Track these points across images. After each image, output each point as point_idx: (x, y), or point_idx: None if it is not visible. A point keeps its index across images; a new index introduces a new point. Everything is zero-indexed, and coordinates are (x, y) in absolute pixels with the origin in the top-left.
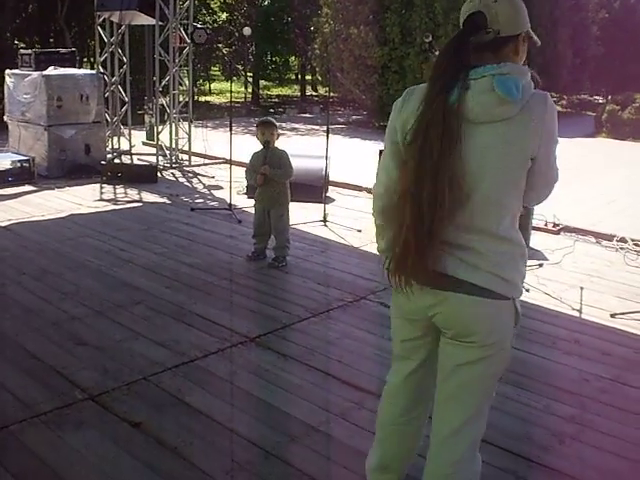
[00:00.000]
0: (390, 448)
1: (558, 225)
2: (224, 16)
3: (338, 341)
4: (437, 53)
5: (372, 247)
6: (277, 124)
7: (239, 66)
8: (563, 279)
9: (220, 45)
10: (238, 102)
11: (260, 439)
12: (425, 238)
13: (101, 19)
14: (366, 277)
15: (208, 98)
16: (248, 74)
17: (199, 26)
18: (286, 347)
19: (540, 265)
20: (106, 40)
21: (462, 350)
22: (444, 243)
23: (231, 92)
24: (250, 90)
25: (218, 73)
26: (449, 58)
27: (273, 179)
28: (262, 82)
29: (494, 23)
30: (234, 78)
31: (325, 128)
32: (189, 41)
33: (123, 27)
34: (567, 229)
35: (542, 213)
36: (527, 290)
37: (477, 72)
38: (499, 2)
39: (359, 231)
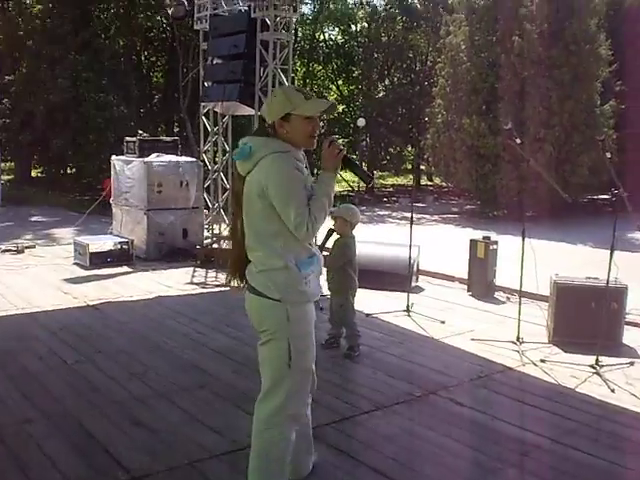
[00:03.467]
0: None
1: None
2: (340, 108)
3: (397, 437)
4: (517, 140)
5: (453, 340)
6: (345, 214)
7: (354, 156)
8: None
9: (336, 136)
10: (352, 191)
11: None
12: (237, 255)
13: (206, 109)
14: (440, 370)
15: None
16: (363, 164)
17: None
18: (340, 440)
19: (631, 364)
20: (210, 129)
21: (259, 334)
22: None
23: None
24: None
25: None
26: None
27: (332, 266)
28: (377, 172)
29: (264, 115)
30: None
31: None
32: None
33: (226, 117)
34: None
35: (638, 307)
36: (612, 391)
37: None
38: (264, 103)
39: (442, 322)
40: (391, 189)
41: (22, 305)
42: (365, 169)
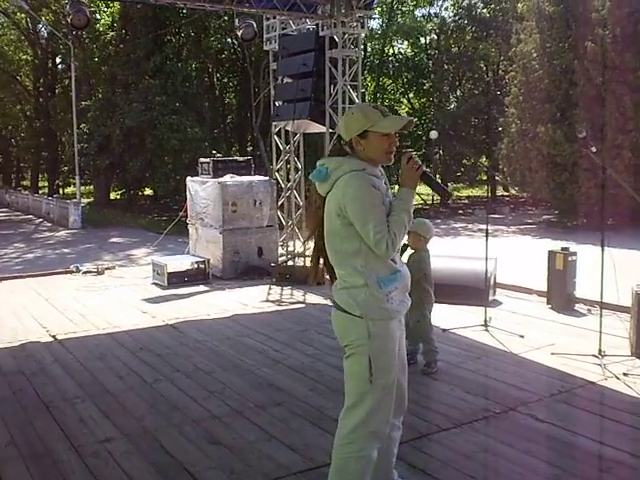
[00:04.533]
0: None
1: None
2: None
3: (475, 455)
4: (593, 149)
5: (533, 354)
6: (419, 229)
7: (428, 169)
8: None
9: (410, 150)
10: (427, 204)
11: None
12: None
13: (277, 128)
14: (519, 386)
15: None
16: (437, 176)
17: None
18: (418, 458)
19: None
20: (282, 148)
21: (343, 349)
22: None
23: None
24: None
25: None
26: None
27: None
28: (452, 184)
29: (340, 133)
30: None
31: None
32: None
33: (298, 135)
34: None
35: None
36: None
37: None
38: (340, 121)
39: (521, 337)
40: (466, 201)
41: (102, 325)
42: (442, 184)
